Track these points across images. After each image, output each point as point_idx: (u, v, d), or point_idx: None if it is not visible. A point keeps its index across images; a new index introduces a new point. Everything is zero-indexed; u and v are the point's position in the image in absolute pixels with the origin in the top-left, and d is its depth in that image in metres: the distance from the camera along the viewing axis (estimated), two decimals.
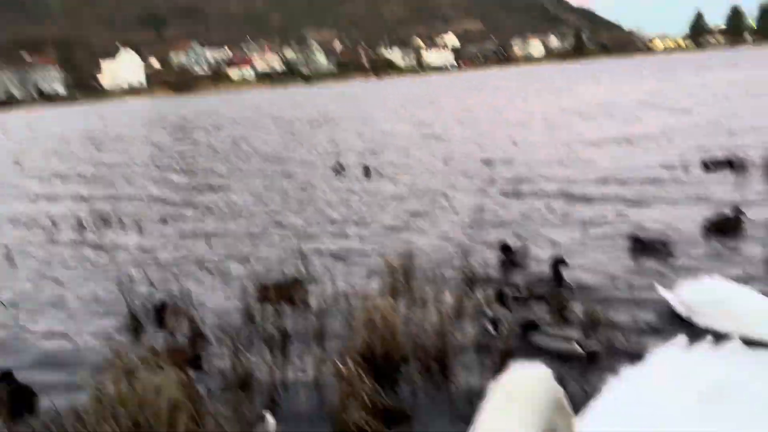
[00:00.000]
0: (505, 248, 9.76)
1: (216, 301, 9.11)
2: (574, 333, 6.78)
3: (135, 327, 8.21)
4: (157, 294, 9.27)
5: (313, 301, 8.51)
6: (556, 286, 8.39)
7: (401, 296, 8.37)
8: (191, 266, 11.22)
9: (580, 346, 6.54)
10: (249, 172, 22.83)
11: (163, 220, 15.37)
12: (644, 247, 9.91)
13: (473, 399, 5.84)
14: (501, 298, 8.00)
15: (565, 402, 1.64)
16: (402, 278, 8.91)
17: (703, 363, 2.56)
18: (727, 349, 2.64)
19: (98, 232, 14.61)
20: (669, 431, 2.20)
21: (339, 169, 20.83)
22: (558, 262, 8.56)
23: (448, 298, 7.99)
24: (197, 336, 7.53)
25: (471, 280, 9.05)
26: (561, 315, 7.66)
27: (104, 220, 15.62)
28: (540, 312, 7.78)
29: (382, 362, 6.54)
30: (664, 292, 7.66)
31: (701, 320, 7.01)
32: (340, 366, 5.59)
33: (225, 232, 13.85)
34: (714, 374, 2.42)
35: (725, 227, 10.67)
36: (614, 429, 2.23)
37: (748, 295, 6.96)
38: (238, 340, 6.92)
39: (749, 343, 2.71)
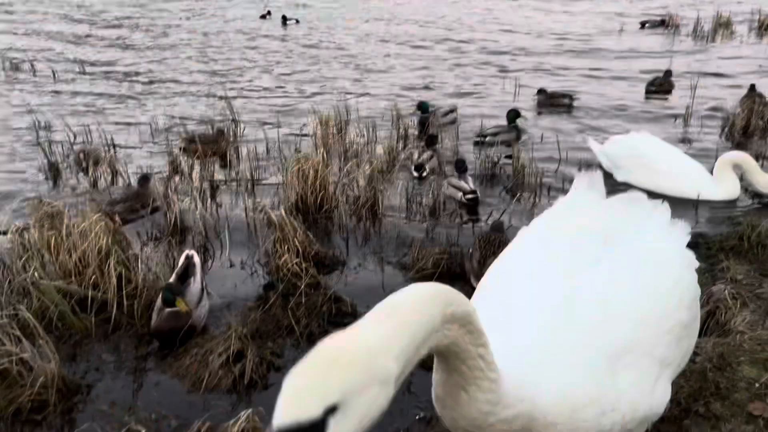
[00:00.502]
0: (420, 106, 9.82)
1: (142, 154, 8.82)
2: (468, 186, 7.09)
3: (54, 175, 7.89)
4: (77, 143, 8.87)
5: (244, 153, 8.37)
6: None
7: (334, 149, 8.35)
8: (112, 116, 10.70)
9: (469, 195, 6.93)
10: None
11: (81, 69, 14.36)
12: (549, 97, 10.82)
13: (400, 245, 6.08)
14: (431, 141, 8.29)
15: (461, 313, 1.63)
16: (335, 131, 8.82)
17: (601, 207, 2.72)
18: (628, 198, 2.81)
19: (10, 79, 13.56)
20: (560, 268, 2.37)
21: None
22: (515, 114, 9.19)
23: (380, 149, 8.02)
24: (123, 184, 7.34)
25: (401, 135, 9.11)
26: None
27: (15, 67, 14.45)
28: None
29: (314, 212, 6.63)
30: (592, 144, 7.91)
31: (620, 174, 7.34)
32: (272, 214, 5.62)
33: (153, 83, 13.14)
34: (607, 216, 2.61)
35: (661, 88, 11.72)
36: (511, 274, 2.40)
37: (668, 152, 7.23)
38: (168, 188, 6.79)
39: (659, 197, 2.88)
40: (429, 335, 1.53)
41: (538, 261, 2.42)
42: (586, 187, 2.82)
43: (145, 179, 6.86)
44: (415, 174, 7.68)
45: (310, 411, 1.29)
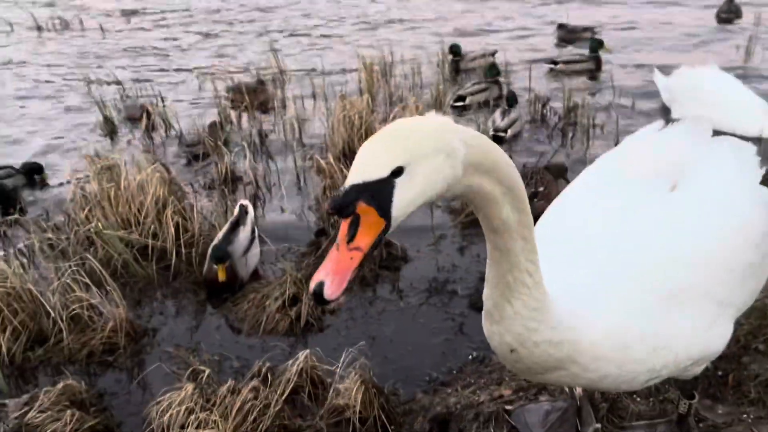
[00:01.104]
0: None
1: (190, 106, 8.94)
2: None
3: (110, 129, 8.10)
4: (129, 97, 9.04)
5: (290, 101, 8.39)
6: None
7: (379, 94, 8.28)
8: (161, 68, 10.84)
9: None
10: None
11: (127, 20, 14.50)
12: (570, 32, 10.55)
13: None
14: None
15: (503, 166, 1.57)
16: (379, 76, 8.73)
17: (666, 146, 2.62)
18: (692, 132, 2.69)
19: (61, 34, 13.82)
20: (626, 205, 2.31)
21: None
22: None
23: (426, 93, 7.91)
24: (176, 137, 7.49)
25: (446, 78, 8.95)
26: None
27: (65, 22, 14.68)
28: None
29: None
30: (657, 78, 7.51)
31: (676, 110, 7.06)
32: (321, 161, 5.66)
33: (191, 32, 13.19)
34: (672, 155, 2.50)
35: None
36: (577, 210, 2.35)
37: (730, 87, 6.83)
38: (217, 137, 6.90)
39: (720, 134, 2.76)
40: (485, 160, 1.52)
41: (600, 197, 2.36)
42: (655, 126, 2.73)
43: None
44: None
45: (379, 171, 1.35)
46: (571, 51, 9.25)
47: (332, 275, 1.34)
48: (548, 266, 1.80)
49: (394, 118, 7.01)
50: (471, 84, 8.37)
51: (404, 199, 1.38)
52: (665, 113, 3.01)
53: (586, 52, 9.17)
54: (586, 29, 10.56)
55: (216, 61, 11.01)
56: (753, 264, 2.31)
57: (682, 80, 7.88)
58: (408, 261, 5.08)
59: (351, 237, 1.35)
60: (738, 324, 3.22)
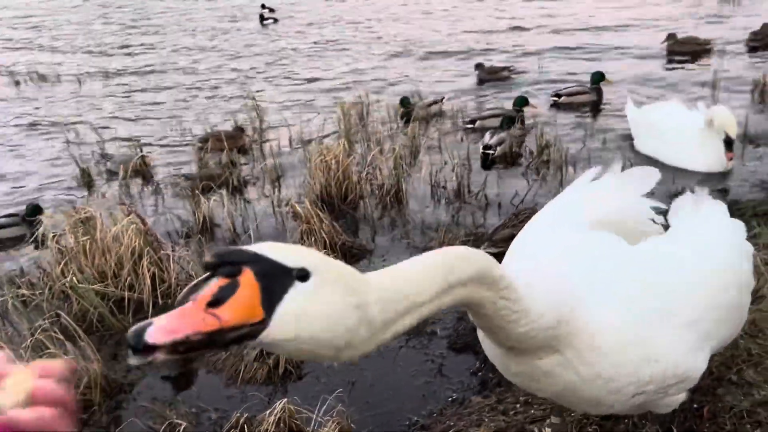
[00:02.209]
0: None
1: (169, 155, 8.98)
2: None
3: (86, 181, 8.09)
4: (106, 147, 9.07)
5: (267, 148, 8.46)
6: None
7: (356, 138, 8.39)
8: (138, 118, 10.90)
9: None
10: None
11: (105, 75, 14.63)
12: (488, 72, 11.13)
13: (426, 230, 6.11)
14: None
15: (496, 275, 1.62)
16: (358, 120, 8.86)
17: (609, 191, 2.69)
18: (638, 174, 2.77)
19: (37, 88, 13.89)
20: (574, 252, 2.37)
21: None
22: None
23: (403, 136, 8.03)
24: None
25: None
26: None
27: (41, 76, 14.78)
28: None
29: (339, 202, 6.69)
30: (629, 110, 7.63)
31: (637, 142, 7.24)
32: (297, 207, 5.69)
33: (168, 83, 13.33)
34: (614, 204, 2.59)
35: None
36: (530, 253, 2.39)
37: (683, 122, 6.80)
38: (195, 186, 6.92)
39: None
40: (429, 299, 1.47)
41: (575, 236, 2.42)
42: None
43: None
44: (483, 156, 7.60)
45: (287, 259, 1.21)
46: (568, 85, 9.58)
47: (165, 327, 1.07)
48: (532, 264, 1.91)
49: (372, 162, 7.11)
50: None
51: (294, 308, 1.18)
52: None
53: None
54: (503, 68, 11.12)
55: (191, 110, 11.11)
56: (732, 307, 2.45)
57: (641, 115, 8.06)
58: None
59: (215, 302, 1.11)
60: (711, 356, 3.27)
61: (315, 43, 16.25)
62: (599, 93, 9.34)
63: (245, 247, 1.21)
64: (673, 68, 11.26)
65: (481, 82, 11.15)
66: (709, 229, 2.51)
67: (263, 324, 1.15)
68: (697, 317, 2.21)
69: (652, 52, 12.09)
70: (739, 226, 2.65)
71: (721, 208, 2.68)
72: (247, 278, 1.14)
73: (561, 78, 10.89)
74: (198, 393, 4.30)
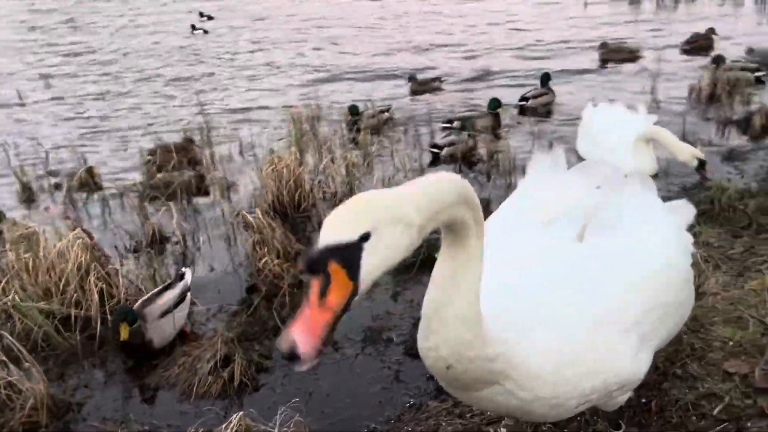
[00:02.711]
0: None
1: (115, 168, 8.76)
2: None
3: (28, 195, 7.82)
4: (50, 160, 8.79)
5: (218, 158, 8.35)
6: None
7: (308, 146, 8.36)
8: (85, 131, 10.61)
9: None
10: None
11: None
12: (419, 83, 11.46)
13: None
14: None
15: (471, 196, 1.80)
16: (309, 128, 8.83)
17: (577, 188, 2.71)
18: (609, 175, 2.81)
19: None
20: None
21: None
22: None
23: (354, 144, 8.05)
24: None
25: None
26: None
27: None
28: None
29: (292, 211, 6.65)
30: (585, 112, 7.42)
31: (578, 145, 7.24)
32: (249, 217, 5.63)
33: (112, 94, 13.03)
34: (586, 199, 2.60)
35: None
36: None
37: (617, 124, 6.72)
38: (143, 198, 6.77)
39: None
40: (444, 207, 1.70)
41: (518, 237, 2.43)
42: (550, 165, 2.83)
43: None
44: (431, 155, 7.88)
45: (349, 234, 1.49)
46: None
47: (305, 334, 1.42)
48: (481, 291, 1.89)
49: (324, 170, 7.10)
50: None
51: (371, 264, 1.51)
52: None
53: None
54: (434, 79, 11.51)
55: (138, 120, 10.88)
56: (674, 304, 2.47)
57: (583, 118, 8.13)
58: None
59: (322, 297, 1.44)
60: (657, 352, 3.38)
61: (259, 51, 16.16)
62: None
63: (317, 246, 1.49)
64: (610, 74, 11.64)
65: (413, 93, 11.42)
66: (649, 226, 2.49)
67: (356, 288, 1.49)
68: (637, 320, 2.24)
69: (589, 59, 12.55)
70: (677, 221, 2.64)
71: (659, 203, 2.69)
72: (334, 268, 1.46)
73: (495, 84, 11.19)
74: (150, 410, 4.19)
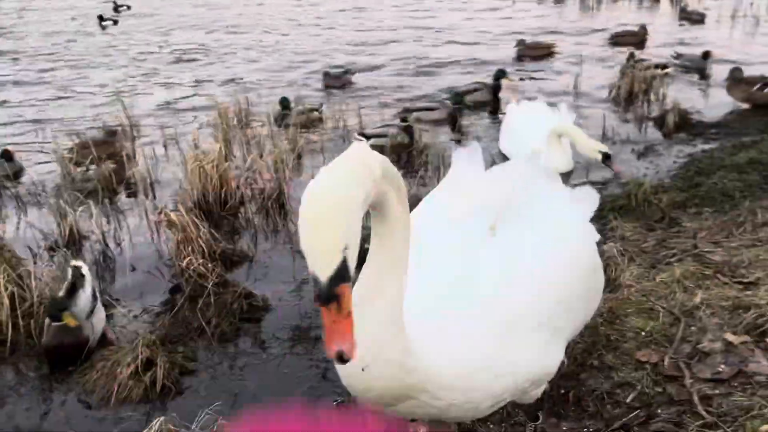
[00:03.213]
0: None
1: (27, 158, 8.34)
2: None
3: None
4: None
5: (140, 155, 8.07)
6: None
7: (235, 142, 8.20)
8: None
9: None
10: None
11: None
12: (332, 78, 11.53)
13: None
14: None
15: (392, 170, 1.85)
16: (235, 122, 8.66)
17: (494, 182, 2.75)
18: (523, 169, 2.86)
19: None
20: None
21: None
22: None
23: (284, 140, 7.94)
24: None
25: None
26: None
27: None
28: None
29: (218, 209, 6.51)
30: (507, 110, 7.75)
31: (501, 143, 7.41)
32: (172, 215, 5.47)
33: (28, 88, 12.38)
34: (502, 192, 2.64)
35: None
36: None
37: (535, 121, 6.92)
38: (60, 196, 6.46)
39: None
40: (372, 181, 1.75)
41: (432, 233, 2.44)
42: (467, 161, 2.85)
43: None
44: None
45: (338, 257, 1.59)
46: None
47: (344, 341, 1.62)
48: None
49: (252, 166, 6.97)
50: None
51: (353, 258, 1.63)
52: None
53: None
54: (346, 72, 11.65)
55: (58, 115, 10.38)
56: (582, 296, 2.52)
57: (506, 115, 8.24)
58: (270, 310, 5.00)
59: (338, 308, 1.60)
60: (574, 343, 3.50)
61: (183, 46, 15.74)
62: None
63: (321, 282, 1.59)
64: (533, 72, 11.95)
65: (326, 87, 11.47)
66: (556, 218, 2.51)
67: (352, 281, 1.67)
68: (547, 315, 2.28)
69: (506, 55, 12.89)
70: (582, 211, 2.68)
71: (564, 194, 2.73)
72: (339, 290, 1.59)
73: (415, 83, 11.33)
74: (67, 418, 4.01)
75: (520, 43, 12.96)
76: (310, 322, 4.82)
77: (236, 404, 3.97)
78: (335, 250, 1.59)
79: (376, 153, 1.81)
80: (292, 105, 9.41)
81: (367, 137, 8.21)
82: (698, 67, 11.04)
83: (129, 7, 20.05)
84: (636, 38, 13.49)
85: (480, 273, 2.27)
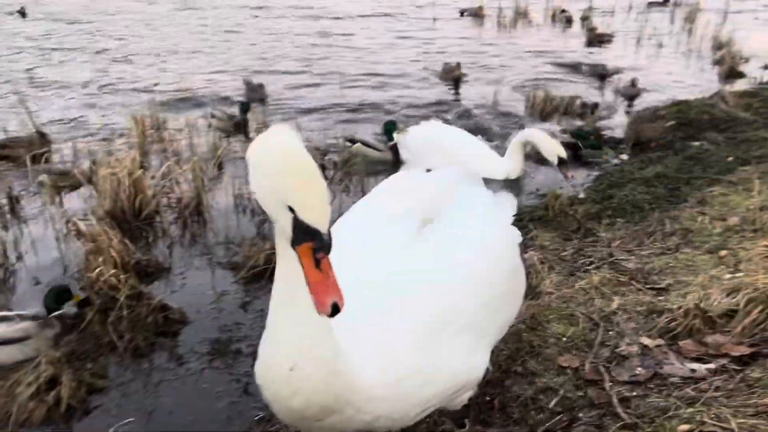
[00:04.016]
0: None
1: None
2: None
3: None
4: None
5: (47, 162, 7.60)
6: None
7: (152, 149, 7.88)
8: None
9: None
10: None
11: None
12: (251, 89, 11.09)
13: (229, 245, 5.90)
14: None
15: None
16: (152, 130, 8.33)
17: (423, 188, 2.77)
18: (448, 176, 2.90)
19: None
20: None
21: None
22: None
23: (203, 148, 7.71)
24: None
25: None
26: None
27: None
28: None
29: (133, 218, 6.20)
30: (397, 137, 7.91)
31: (422, 162, 7.52)
32: (81, 224, 5.15)
33: None
34: (428, 197, 2.65)
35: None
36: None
37: (458, 135, 7.51)
38: None
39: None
40: None
41: (357, 241, 2.41)
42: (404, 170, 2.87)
43: None
44: None
45: (329, 209, 1.71)
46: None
47: (337, 293, 1.70)
48: None
49: (168, 175, 6.70)
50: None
51: None
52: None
53: None
54: (259, 85, 11.11)
55: None
56: (503, 297, 2.53)
57: (415, 137, 8.52)
58: (187, 324, 4.78)
59: (317, 267, 1.71)
60: (499, 350, 3.53)
61: (100, 45, 15.08)
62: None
63: (326, 234, 1.70)
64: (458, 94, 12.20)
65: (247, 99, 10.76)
66: (477, 222, 2.54)
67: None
68: (470, 319, 2.29)
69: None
70: (502, 214, 2.71)
71: (486, 198, 2.77)
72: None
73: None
74: None
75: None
76: (230, 335, 4.64)
77: (150, 422, 3.76)
78: (327, 200, 1.66)
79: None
80: (214, 113, 9.15)
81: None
82: (629, 94, 11.30)
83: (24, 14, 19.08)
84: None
85: (405, 277, 2.25)
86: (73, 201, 6.71)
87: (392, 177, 2.90)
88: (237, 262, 5.54)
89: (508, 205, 2.81)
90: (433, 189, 2.73)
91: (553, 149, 6.64)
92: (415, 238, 2.41)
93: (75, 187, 6.96)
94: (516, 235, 2.73)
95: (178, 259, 5.75)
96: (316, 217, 1.63)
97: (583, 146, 8.21)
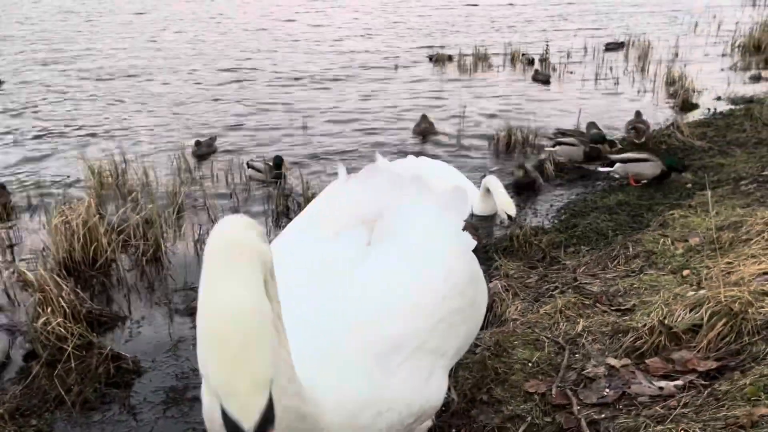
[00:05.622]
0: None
1: None
2: None
3: None
4: None
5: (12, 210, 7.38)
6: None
7: (110, 195, 7.70)
8: None
9: None
10: None
11: None
12: (202, 146, 10.56)
13: (189, 291, 5.71)
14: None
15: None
16: (110, 178, 8.16)
17: (363, 197, 2.63)
18: (390, 180, 2.75)
19: None
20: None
21: None
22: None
23: (161, 192, 7.56)
24: None
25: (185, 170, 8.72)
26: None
27: None
28: None
29: (87, 267, 5.98)
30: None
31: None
32: (28, 274, 4.93)
33: None
34: (369, 207, 2.53)
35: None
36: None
37: (442, 170, 7.37)
38: None
39: None
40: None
41: (298, 264, 2.29)
42: (344, 178, 2.74)
43: None
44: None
45: (262, 400, 1.30)
46: None
47: None
48: None
49: (125, 222, 6.52)
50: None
51: (276, 397, 1.39)
52: None
53: None
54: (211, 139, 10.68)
55: None
56: (460, 311, 2.39)
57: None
58: (142, 374, 4.56)
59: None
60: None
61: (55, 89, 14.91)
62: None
63: (247, 429, 1.28)
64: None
65: (196, 156, 10.35)
66: (423, 228, 2.41)
67: None
68: (422, 339, 2.16)
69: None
70: (453, 222, 2.55)
71: (435, 207, 2.59)
72: None
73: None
74: None
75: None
76: (186, 382, 4.43)
77: None
78: (262, 387, 1.27)
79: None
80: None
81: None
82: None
83: None
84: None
85: (351, 303, 2.14)
86: (26, 250, 6.47)
87: (330, 185, 2.78)
88: (196, 308, 5.33)
89: (459, 208, 2.65)
90: (376, 195, 2.57)
91: (503, 204, 6.68)
92: (360, 253, 2.30)
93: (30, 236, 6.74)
94: (468, 241, 2.56)
95: (134, 307, 5.54)
96: (230, 406, 1.25)
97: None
